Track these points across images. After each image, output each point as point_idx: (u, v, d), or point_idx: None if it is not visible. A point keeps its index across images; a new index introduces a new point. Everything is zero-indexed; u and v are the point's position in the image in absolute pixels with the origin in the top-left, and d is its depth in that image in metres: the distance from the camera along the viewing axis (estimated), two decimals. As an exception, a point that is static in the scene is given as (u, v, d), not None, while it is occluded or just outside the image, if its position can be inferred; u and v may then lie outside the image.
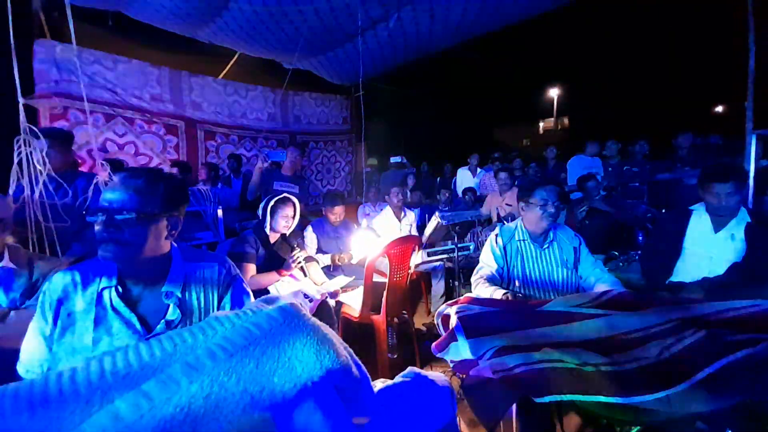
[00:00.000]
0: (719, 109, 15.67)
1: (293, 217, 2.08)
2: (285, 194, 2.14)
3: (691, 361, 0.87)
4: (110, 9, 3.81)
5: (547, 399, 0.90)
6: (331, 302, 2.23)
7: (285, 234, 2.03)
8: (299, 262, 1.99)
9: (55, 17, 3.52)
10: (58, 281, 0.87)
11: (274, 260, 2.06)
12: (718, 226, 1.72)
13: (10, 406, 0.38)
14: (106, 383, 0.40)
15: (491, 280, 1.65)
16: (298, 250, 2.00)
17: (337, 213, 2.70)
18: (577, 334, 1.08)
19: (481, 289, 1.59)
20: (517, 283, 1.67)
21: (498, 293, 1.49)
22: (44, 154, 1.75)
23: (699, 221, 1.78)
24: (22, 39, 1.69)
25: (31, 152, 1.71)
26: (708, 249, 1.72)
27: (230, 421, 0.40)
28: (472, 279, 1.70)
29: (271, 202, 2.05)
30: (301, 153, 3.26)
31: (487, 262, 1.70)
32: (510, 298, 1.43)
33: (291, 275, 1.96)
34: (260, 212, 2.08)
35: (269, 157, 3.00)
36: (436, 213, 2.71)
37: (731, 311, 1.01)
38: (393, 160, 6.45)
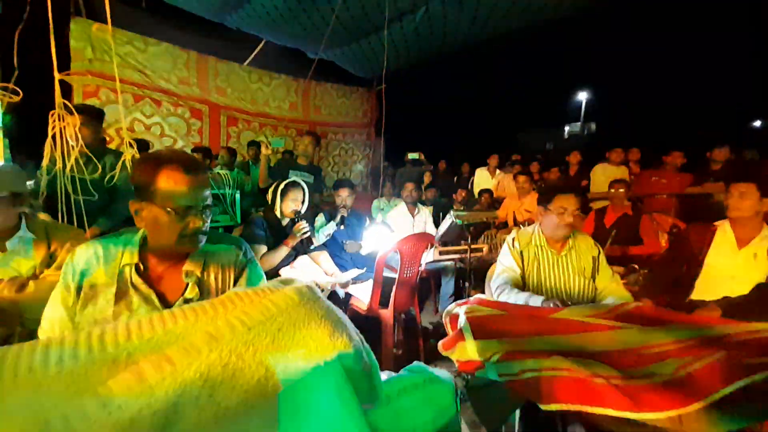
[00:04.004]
0: (757, 123, 14.89)
1: (302, 202, 2.10)
2: (294, 179, 2.16)
3: (707, 381, 0.85)
4: (144, -9, 3.91)
5: (553, 407, 0.89)
6: (341, 293, 2.25)
7: (295, 219, 2.06)
8: (304, 233, 2.00)
9: (91, -3, 3.63)
10: (82, 253, 0.90)
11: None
12: (741, 243, 1.67)
13: (40, 358, 0.40)
14: (132, 345, 0.42)
15: (519, 286, 1.60)
16: (303, 222, 2.02)
17: (342, 196, 2.71)
18: (590, 344, 1.06)
19: (508, 295, 1.53)
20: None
21: (535, 300, 1.43)
22: (77, 129, 1.81)
23: (723, 237, 1.72)
24: (59, 17, 1.73)
25: (64, 127, 1.78)
26: (731, 267, 1.66)
27: (246, 390, 0.42)
28: (493, 284, 1.65)
29: (281, 186, 2.07)
30: (314, 141, 3.27)
31: (509, 266, 1.66)
32: (554, 306, 1.36)
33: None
34: (270, 196, 2.11)
35: (272, 144, 3.04)
36: (451, 212, 2.68)
37: (752, 333, 0.98)
38: (410, 155, 6.41)
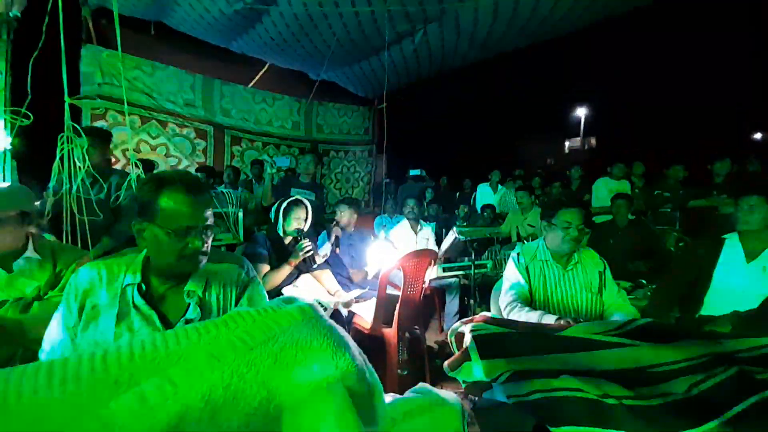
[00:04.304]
0: (758, 136, 14.96)
1: (305, 220, 2.11)
2: (297, 197, 2.18)
3: (721, 398, 0.82)
4: (152, 18, 4.06)
5: (564, 430, 0.86)
6: (344, 312, 2.22)
7: (298, 238, 2.06)
8: (307, 252, 2.00)
9: (102, 24, 3.78)
10: (84, 274, 0.90)
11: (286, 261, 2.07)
12: (750, 256, 1.65)
13: (44, 380, 0.40)
14: (134, 366, 0.41)
15: (528, 303, 1.57)
16: (306, 240, 2.01)
17: (338, 213, 2.74)
18: (600, 363, 1.03)
19: (519, 313, 1.49)
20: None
21: (549, 318, 1.40)
22: (85, 151, 1.84)
23: (732, 250, 1.70)
24: (71, 44, 1.80)
25: (72, 149, 1.81)
26: (740, 281, 1.64)
27: (247, 412, 0.41)
28: (502, 301, 1.61)
29: (284, 204, 2.09)
30: (315, 160, 3.33)
31: (516, 281, 1.63)
32: (565, 323, 1.31)
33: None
34: (273, 214, 2.13)
35: (276, 163, 3.09)
36: (454, 228, 2.68)
37: (763, 348, 0.95)
38: (412, 172, 6.46)
